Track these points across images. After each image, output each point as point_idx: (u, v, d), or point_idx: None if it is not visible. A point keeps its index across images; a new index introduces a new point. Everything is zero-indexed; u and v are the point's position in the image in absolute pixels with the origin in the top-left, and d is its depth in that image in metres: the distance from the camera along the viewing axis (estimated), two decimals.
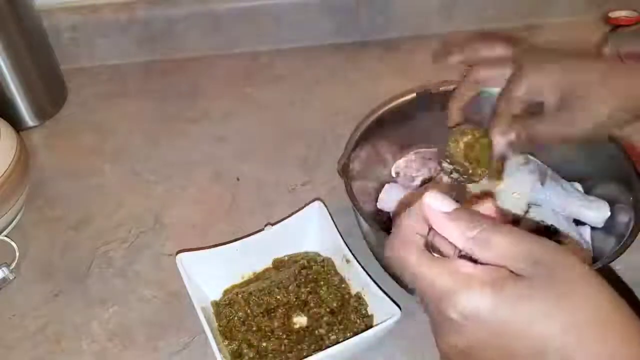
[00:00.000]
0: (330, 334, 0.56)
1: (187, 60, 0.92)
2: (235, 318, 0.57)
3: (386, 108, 0.66)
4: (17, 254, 0.66)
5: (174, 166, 0.77)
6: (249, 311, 0.58)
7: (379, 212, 0.66)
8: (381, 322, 0.54)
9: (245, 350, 0.55)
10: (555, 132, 0.50)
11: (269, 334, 0.57)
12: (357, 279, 0.59)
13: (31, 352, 0.59)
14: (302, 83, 0.88)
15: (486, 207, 0.35)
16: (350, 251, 0.60)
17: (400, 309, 0.54)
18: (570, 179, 0.65)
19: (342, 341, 0.54)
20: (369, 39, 0.93)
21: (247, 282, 0.62)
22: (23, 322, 0.61)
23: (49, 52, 0.85)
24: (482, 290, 0.30)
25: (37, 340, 0.60)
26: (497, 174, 0.62)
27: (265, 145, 0.79)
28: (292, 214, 0.64)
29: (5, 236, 0.67)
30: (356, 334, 0.54)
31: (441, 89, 0.66)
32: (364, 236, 0.62)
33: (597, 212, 0.61)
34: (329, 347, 0.53)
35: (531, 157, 0.65)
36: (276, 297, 0.59)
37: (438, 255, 0.34)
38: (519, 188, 0.61)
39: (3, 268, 0.63)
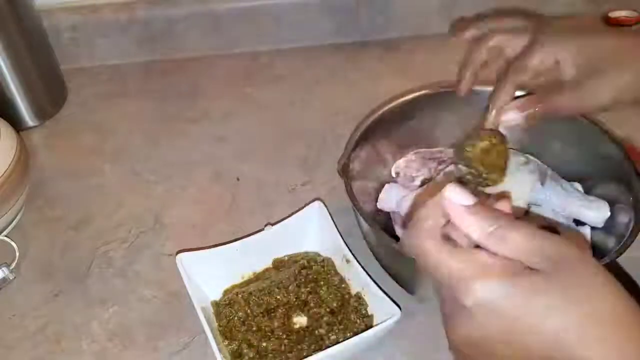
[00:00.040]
0: (330, 334, 0.56)
1: (187, 60, 0.92)
2: (235, 318, 0.57)
3: (386, 108, 0.66)
4: (17, 254, 0.66)
5: (174, 166, 0.77)
6: (249, 311, 0.58)
7: (379, 212, 0.66)
8: (381, 322, 0.54)
9: (245, 350, 0.55)
10: (574, 103, 0.50)
11: (269, 334, 0.57)
12: (357, 279, 0.59)
13: (31, 352, 0.59)
14: (302, 83, 0.88)
15: (502, 205, 0.36)
16: (350, 251, 0.60)
17: (400, 309, 0.54)
18: (570, 179, 0.65)
19: (342, 341, 0.54)
20: (369, 39, 0.93)
21: (247, 282, 0.62)
22: (23, 322, 0.61)
23: (49, 52, 0.85)
24: (499, 280, 0.30)
25: (37, 340, 0.60)
26: (500, 172, 0.62)
27: (265, 145, 0.79)
28: (292, 214, 0.64)
29: (5, 236, 0.67)
30: (356, 334, 0.54)
31: (441, 88, 0.66)
32: (364, 236, 0.62)
33: (597, 212, 0.61)
34: (329, 347, 0.53)
35: (531, 157, 0.65)
36: (276, 297, 0.59)
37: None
38: (519, 188, 0.61)
39: (3, 268, 0.63)
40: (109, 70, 0.91)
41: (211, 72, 0.90)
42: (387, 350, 0.57)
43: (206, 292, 0.60)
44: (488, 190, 0.56)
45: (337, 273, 0.61)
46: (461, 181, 0.49)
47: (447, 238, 0.34)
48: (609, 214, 0.60)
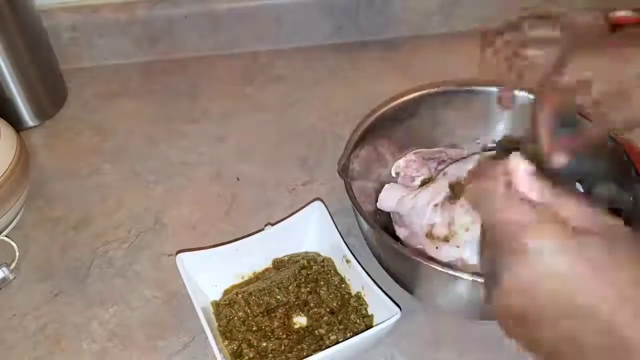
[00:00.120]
0: (330, 334, 0.56)
1: (187, 60, 0.92)
2: (235, 318, 0.57)
3: (386, 108, 0.66)
4: (17, 254, 0.66)
5: (174, 166, 0.77)
6: (249, 311, 0.58)
7: (379, 212, 0.66)
8: (381, 322, 0.54)
9: (245, 350, 0.55)
10: (604, 133, 0.54)
11: (269, 334, 0.57)
12: (357, 279, 0.59)
13: (31, 352, 0.59)
14: (302, 83, 0.88)
15: None
16: (350, 251, 0.60)
17: (400, 309, 0.54)
18: (570, 178, 0.65)
19: (342, 341, 0.54)
20: (369, 39, 0.93)
21: (247, 282, 0.62)
22: (23, 322, 0.61)
23: (49, 52, 0.85)
24: (563, 230, 0.32)
25: (37, 340, 0.60)
26: None
27: (265, 145, 0.79)
28: (292, 214, 0.64)
29: (5, 236, 0.67)
30: (356, 334, 0.54)
31: (441, 88, 0.66)
32: (364, 236, 0.62)
33: None
34: (329, 347, 0.53)
35: None
36: (276, 297, 0.59)
37: None
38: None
39: (3, 268, 0.63)
40: (109, 70, 0.91)
41: (211, 72, 0.90)
42: (387, 350, 0.57)
43: (206, 292, 0.60)
44: None
45: (337, 273, 0.61)
46: None
47: None
48: None
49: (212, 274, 0.60)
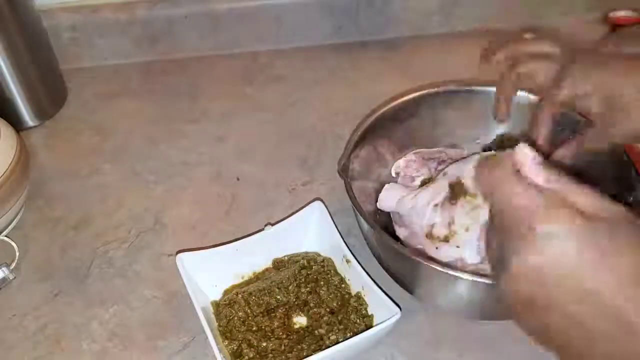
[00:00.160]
0: (330, 334, 0.56)
1: (187, 60, 0.92)
2: (235, 318, 0.57)
3: (386, 108, 0.66)
4: (17, 254, 0.66)
5: (174, 166, 0.77)
6: (249, 311, 0.58)
7: (379, 212, 0.66)
8: (381, 322, 0.54)
9: (245, 350, 0.55)
10: (602, 142, 0.54)
11: (269, 334, 0.57)
12: (357, 279, 0.59)
13: (31, 352, 0.59)
14: (302, 83, 0.88)
15: None
16: (350, 251, 0.60)
17: (400, 309, 0.54)
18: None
19: (342, 341, 0.54)
20: (369, 39, 0.94)
21: (247, 282, 0.62)
22: (23, 322, 0.61)
23: (49, 52, 0.85)
24: (571, 215, 0.32)
25: (37, 340, 0.60)
26: None
27: (265, 145, 0.79)
28: (292, 214, 0.64)
29: (5, 236, 0.67)
30: (356, 334, 0.54)
31: (441, 88, 0.66)
32: (364, 236, 0.62)
33: None
34: (329, 347, 0.53)
35: None
36: (276, 297, 0.59)
37: None
38: None
39: (3, 268, 0.63)
40: (109, 70, 0.91)
41: (211, 72, 0.90)
42: (387, 350, 0.57)
43: (206, 292, 0.60)
44: None
45: (337, 273, 0.61)
46: None
47: None
48: None
49: (212, 274, 0.60)
